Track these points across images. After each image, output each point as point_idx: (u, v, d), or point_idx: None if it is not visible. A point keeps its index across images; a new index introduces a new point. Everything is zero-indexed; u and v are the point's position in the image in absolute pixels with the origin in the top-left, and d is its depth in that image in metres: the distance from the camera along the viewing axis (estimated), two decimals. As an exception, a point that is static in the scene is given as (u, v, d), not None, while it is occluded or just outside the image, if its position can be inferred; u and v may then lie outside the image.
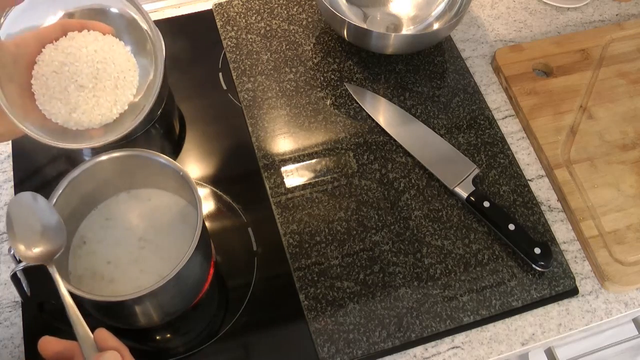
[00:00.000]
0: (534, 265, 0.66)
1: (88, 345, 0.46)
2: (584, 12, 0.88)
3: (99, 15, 0.56)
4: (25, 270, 0.54)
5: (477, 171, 0.71)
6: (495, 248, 0.68)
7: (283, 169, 0.72)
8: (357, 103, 0.77)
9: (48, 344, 0.46)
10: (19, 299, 0.63)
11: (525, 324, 0.64)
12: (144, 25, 0.53)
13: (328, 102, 0.77)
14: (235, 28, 0.83)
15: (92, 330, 0.46)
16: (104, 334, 0.46)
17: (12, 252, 0.53)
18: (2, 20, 0.49)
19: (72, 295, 0.52)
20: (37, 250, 0.51)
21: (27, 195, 0.52)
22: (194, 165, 0.73)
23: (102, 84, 0.49)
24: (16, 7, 0.50)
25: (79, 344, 0.46)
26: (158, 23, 0.70)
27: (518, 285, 0.65)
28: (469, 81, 0.80)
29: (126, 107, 0.51)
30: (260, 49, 0.81)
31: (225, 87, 0.79)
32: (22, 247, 0.50)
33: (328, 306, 0.63)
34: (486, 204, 0.68)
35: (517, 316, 0.65)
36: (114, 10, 0.70)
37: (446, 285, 0.65)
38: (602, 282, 0.66)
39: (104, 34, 0.52)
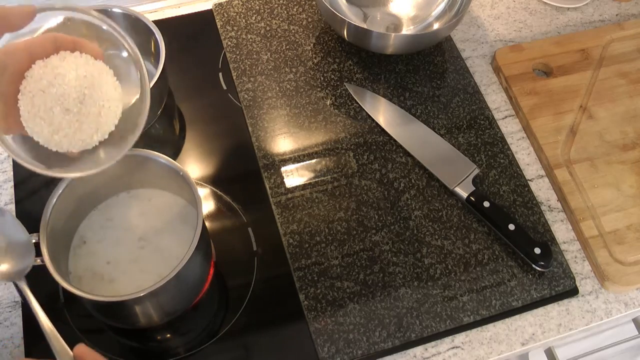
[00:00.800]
0: (534, 265, 0.66)
1: None
2: (584, 12, 0.88)
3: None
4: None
5: (477, 171, 0.71)
6: (495, 248, 0.68)
7: (283, 169, 0.72)
8: (357, 103, 0.77)
9: None
10: (19, 299, 0.63)
11: (525, 324, 0.64)
12: (126, 46, 0.53)
13: (328, 102, 0.77)
14: (235, 28, 0.83)
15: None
16: (83, 349, 0.44)
17: None
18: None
19: (72, 295, 0.52)
20: (1, 267, 0.48)
21: None
22: (194, 165, 0.73)
23: (87, 109, 0.48)
24: None
25: None
26: (158, 23, 0.70)
27: (518, 285, 0.65)
28: (469, 81, 0.80)
29: (107, 136, 0.51)
30: (260, 49, 0.81)
31: (225, 87, 0.79)
32: None
33: (328, 306, 0.63)
34: (486, 204, 0.68)
35: (517, 316, 0.65)
36: (116, 10, 0.70)
37: (446, 285, 0.65)
38: (602, 282, 0.66)
39: (95, 59, 0.52)
